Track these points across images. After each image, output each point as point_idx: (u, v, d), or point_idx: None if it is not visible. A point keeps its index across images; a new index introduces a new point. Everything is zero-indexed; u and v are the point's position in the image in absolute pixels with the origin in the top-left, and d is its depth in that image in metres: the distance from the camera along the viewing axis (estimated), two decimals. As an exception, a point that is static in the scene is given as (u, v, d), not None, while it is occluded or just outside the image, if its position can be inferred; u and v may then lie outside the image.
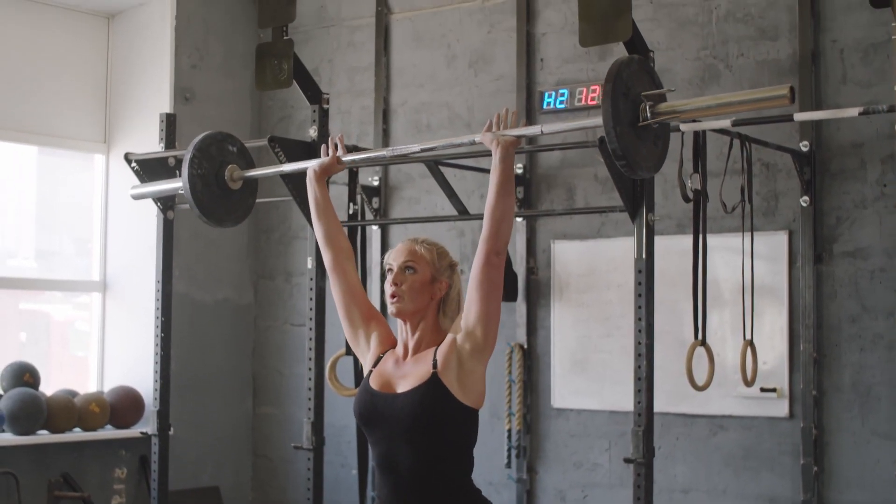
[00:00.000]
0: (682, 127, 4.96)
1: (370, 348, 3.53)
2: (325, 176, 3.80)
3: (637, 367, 4.80)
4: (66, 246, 7.76)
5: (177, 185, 5.15)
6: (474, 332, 3.28)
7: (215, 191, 4.73)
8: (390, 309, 3.39)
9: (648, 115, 3.44)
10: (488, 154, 5.58)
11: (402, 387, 3.33)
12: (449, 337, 3.34)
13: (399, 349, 3.45)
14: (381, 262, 6.93)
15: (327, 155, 3.83)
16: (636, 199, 4.84)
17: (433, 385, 3.27)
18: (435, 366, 3.29)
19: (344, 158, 3.84)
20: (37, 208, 7.59)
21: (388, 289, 3.40)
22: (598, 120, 3.44)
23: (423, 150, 4.06)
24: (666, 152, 3.65)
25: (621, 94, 3.42)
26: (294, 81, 5.53)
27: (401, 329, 3.45)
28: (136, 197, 5.71)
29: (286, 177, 5.43)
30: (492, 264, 3.27)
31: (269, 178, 5.44)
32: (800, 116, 5.25)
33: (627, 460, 4.78)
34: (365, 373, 3.49)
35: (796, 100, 5.50)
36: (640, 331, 4.81)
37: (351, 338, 3.60)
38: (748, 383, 5.24)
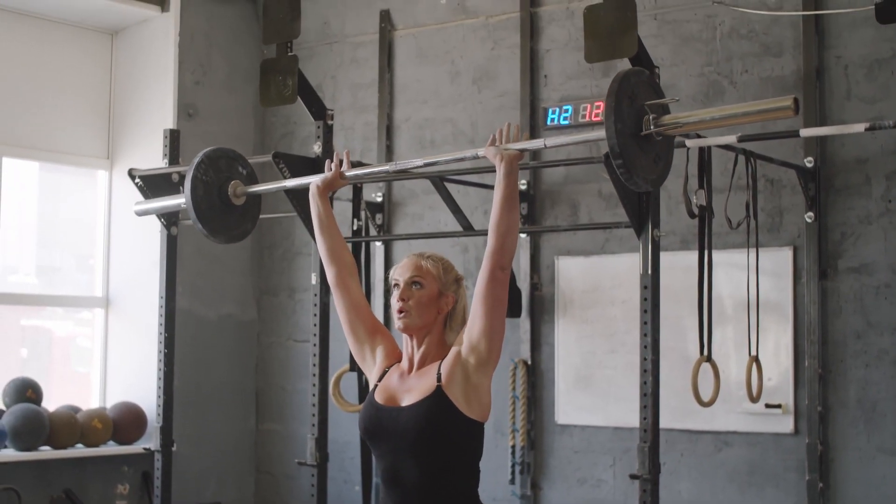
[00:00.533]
0: (688, 143, 4.96)
1: (376, 362, 3.52)
2: (327, 191, 3.80)
3: (643, 382, 4.79)
4: (67, 262, 7.76)
5: (180, 200, 5.14)
6: (478, 347, 3.27)
7: (215, 201, 4.71)
8: (397, 324, 3.39)
9: (652, 126, 3.44)
10: (492, 170, 5.60)
11: (407, 400, 3.32)
12: (453, 350, 3.33)
13: (404, 363, 3.44)
14: (386, 278, 6.98)
15: (331, 170, 3.82)
16: (642, 215, 4.83)
17: (437, 398, 3.26)
18: (439, 379, 3.28)
19: (347, 173, 3.84)
20: (38, 224, 7.58)
21: (395, 304, 3.39)
22: (601, 132, 3.43)
23: (426, 165, 4.06)
24: (667, 172, 3.64)
25: (626, 96, 3.41)
26: (298, 97, 5.53)
27: (406, 343, 3.44)
28: (140, 213, 5.70)
29: (290, 192, 5.41)
30: (496, 279, 3.27)
31: (273, 194, 5.43)
32: (806, 132, 5.25)
33: (633, 476, 4.76)
34: (370, 387, 3.49)
35: (801, 116, 5.56)
36: (645, 346, 4.80)
37: (356, 352, 3.59)
38: (753, 399, 5.23)
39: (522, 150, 3.41)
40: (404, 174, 6.48)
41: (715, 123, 3.57)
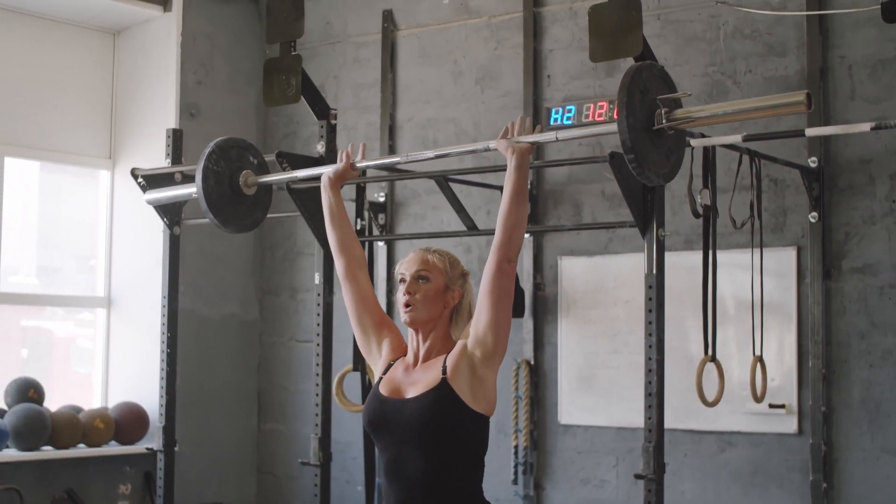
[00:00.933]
0: (693, 142, 4.95)
1: (381, 355, 3.53)
2: (339, 182, 3.81)
3: (647, 382, 4.77)
4: (68, 262, 7.75)
5: (191, 190, 5.15)
6: (485, 340, 3.27)
7: (226, 191, 4.73)
8: (404, 318, 3.39)
9: (664, 120, 3.43)
10: (495, 169, 5.60)
11: (412, 392, 3.32)
12: (459, 344, 3.33)
13: (409, 357, 3.45)
14: (388, 278, 6.98)
15: (342, 160, 3.83)
16: (646, 214, 4.81)
17: (442, 390, 3.26)
18: (444, 371, 3.28)
19: (358, 164, 3.84)
20: (38, 224, 7.57)
21: (401, 298, 3.40)
22: (612, 126, 3.42)
23: (437, 156, 4.07)
24: (679, 166, 3.64)
25: (638, 90, 3.40)
26: (302, 97, 5.51)
27: (411, 337, 3.44)
28: (151, 202, 5.75)
29: (294, 192, 5.42)
30: (504, 271, 3.27)
31: (275, 195, 5.43)
32: (811, 132, 5.25)
33: (638, 476, 4.74)
34: (375, 379, 3.49)
35: (804, 116, 5.55)
36: (650, 346, 4.77)
37: (363, 345, 3.60)
38: (758, 399, 5.22)
39: (533, 143, 3.41)
40: (408, 173, 6.50)
41: (727, 118, 3.56)
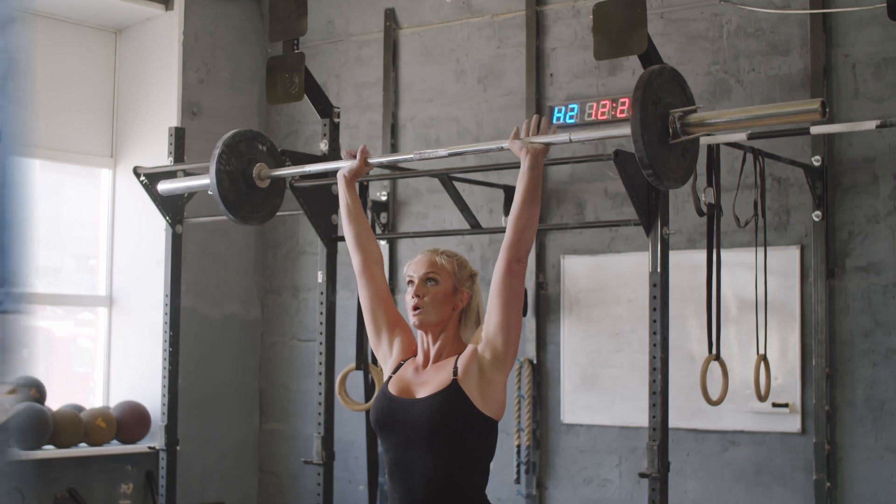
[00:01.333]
0: (697, 140, 4.95)
1: (392, 354, 3.52)
2: (355, 179, 3.82)
3: (652, 381, 4.76)
4: (69, 262, 7.73)
5: (205, 181, 5.16)
6: (494, 341, 3.26)
7: (242, 188, 4.75)
8: (412, 320, 3.38)
9: (678, 127, 3.43)
10: (497, 168, 5.59)
11: (422, 393, 3.31)
12: (470, 346, 3.32)
13: (419, 358, 3.43)
14: (392, 274, 6.97)
15: (353, 157, 3.84)
16: (651, 213, 4.80)
17: (453, 391, 3.24)
18: (455, 373, 3.27)
19: (371, 160, 3.86)
20: (39, 224, 7.54)
21: (410, 301, 3.39)
22: (626, 129, 3.41)
23: (451, 154, 4.06)
24: (695, 163, 3.64)
25: (651, 102, 3.39)
26: (305, 95, 5.51)
27: (421, 339, 3.43)
28: (165, 192, 5.76)
29: (298, 191, 5.42)
30: (513, 272, 3.26)
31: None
32: (817, 130, 5.24)
33: (642, 475, 4.73)
34: (384, 378, 3.48)
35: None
36: (654, 345, 4.76)
37: (374, 342, 3.59)
38: (761, 398, 5.21)
39: (547, 144, 3.40)
40: (411, 172, 6.49)
41: (741, 124, 3.57)
